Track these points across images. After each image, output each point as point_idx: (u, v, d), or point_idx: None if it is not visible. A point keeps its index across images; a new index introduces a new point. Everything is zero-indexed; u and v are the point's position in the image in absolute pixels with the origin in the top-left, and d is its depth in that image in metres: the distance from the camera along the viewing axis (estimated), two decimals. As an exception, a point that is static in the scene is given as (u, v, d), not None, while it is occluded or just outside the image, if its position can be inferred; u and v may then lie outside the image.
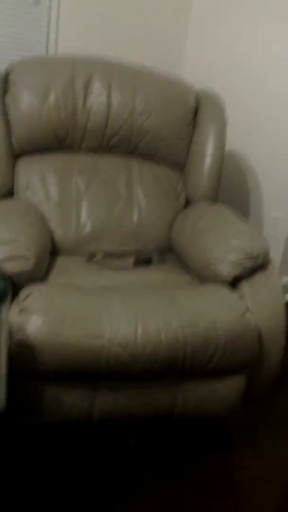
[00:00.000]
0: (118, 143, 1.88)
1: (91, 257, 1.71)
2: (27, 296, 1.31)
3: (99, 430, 1.54)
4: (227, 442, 1.65)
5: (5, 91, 1.79)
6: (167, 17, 2.49)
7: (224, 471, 1.51)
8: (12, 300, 1.32)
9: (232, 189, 2.63)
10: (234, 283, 1.52)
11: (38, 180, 1.80)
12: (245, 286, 1.51)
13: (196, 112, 1.91)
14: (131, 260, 1.69)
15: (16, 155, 1.82)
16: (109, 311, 1.31)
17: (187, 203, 1.96)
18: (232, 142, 2.53)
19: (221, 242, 1.58)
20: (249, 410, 1.71)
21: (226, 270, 1.50)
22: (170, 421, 1.48)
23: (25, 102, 1.77)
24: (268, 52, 2.34)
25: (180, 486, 1.43)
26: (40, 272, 1.50)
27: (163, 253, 1.82)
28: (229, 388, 1.42)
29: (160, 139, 1.89)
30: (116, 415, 1.39)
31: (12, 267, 1.36)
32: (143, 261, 1.71)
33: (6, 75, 1.80)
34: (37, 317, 1.26)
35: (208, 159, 1.90)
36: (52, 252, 1.70)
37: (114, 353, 1.27)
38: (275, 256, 2.50)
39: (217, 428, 1.69)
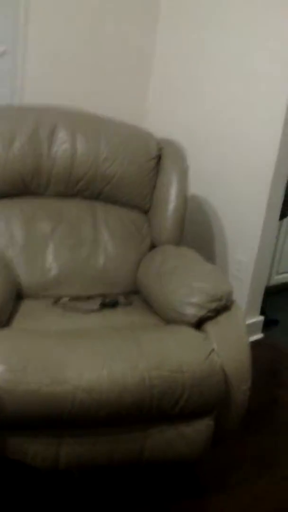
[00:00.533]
0: (84, 188, 1.92)
1: (56, 300, 1.70)
2: (-11, 342, 1.29)
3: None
4: (198, 486, 1.62)
5: None
6: (130, 71, 2.60)
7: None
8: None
9: (198, 233, 2.69)
10: (199, 324, 1.54)
11: (3, 224, 1.80)
12: (210, 328, 1.53)
13: (158, 159, 1.97)
14: (97, 303, 1.69)
15: (-19, 200, 1.83)
16: (73, 356, 1.29)
17: (153, 246, 1.99)
18: (196, 188, 2.62)
19: (185, 284, 1.60)
20: (219, 452, 1.70)
21: (191, 312, 1.52)
22: (138, 467, 1.44)
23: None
24: (227, 104, 2.47)
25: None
26: (3, 318, 1.48)
27: (130, 295, 1.83)
28: (197, 431, 1.41)
29: (124, 185, 1.94)
30: (83, 463, 1.35)
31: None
32: (109, 304, 1.71)
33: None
34: (-2, 363, 1.23)
35: (172, 204, 1.95)
36: (17, 296, 1.69)
37: (79, 400, 1.25)
38: (241, 298, 2.54)
39: (188, 472, 1.65)
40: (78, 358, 1.30)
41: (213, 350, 1.42)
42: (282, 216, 2.86)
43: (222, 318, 1.56)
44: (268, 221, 2.44)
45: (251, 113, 2.36)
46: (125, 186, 1.94)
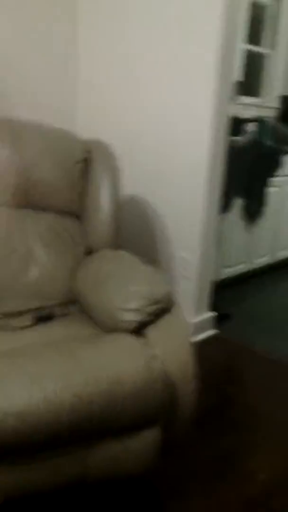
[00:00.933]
0: (10, 196, 1.82)
1: (-14, 320, 1.60)
2: None
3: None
4: (157, 499, 1.55)
5: None
6: (55, 73, 2.52)
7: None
8: None
9: (141, 234, 2.64)
10: (139, 330, 1.48)
11: None
12: (150, 332, 1.46)
13: (86, 162, 1.90)
14: (30, 318, 1.59)
15: None
16: (0, 380, 1.20)
17: (89, 252, 1.91)
18: (133, 187, 2.57)
19: (122, 290, 1.54)
20: (174, 459, 1.64)
21: (128, 318, 1.45)
22: (83, 487, 1.36)
23: None
24: (158, 99, 2.43)
25: None
26: None
27: (67, 306, 1.74)
28: (144, 442, 1.34)
29: (53, 191, 1.85)
30: (24, 492, 1.26)
31: None
32: (43, 317, 1.63)
33: None
34: None
35: (105, 207, 1.88)
36: None
37: (11, 427, 1.15)
38: (189, 295, 2.51)
39: (145, 485, 1.59)
40: (7, 382, 1.20)
41: (153, 356, 1.35)
42: (225, 209, 2.85)
43: (163, 321, 1.50)
44: (208, 216, 2.41)
45: (183, 107, 2.32)
46: (54, 193, 1.86)
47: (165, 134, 2.41)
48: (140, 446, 1.33)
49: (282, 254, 3.77)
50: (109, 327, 1.52)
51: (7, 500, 1.25)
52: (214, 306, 2.71)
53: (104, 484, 1.43)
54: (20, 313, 1.62)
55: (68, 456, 1.27)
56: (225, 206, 2.84)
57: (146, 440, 1.34)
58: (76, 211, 1.92)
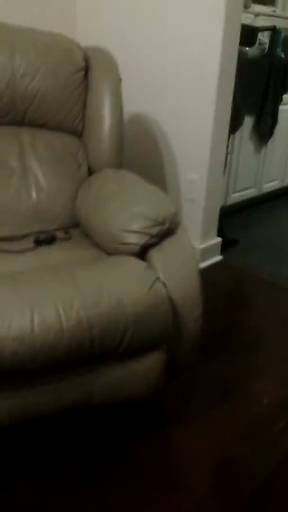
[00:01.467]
0: (3, 113, 1.68)
1: (-16, 243, 1.53)
2: None
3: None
4: (160, 421, 1.55)
5: None
6: None
7: (159, 454, 1.41)
8: None
9: (145, 154, 2.50)
10: (143, 253, 1.40)
11: None
12: (154, 255, 1.38)
13: (86, 71, 1.73)
14: (31, 241, 1.51)
15: None
16: (-2, 303, 1.14)
17: (91, 172, 1.80)
18: (137, 104, 2.39)
19: (124, 210, 1.44)
20: (180, 381, 1.63)
21: (131, 240, 1.37)
22: (88, 412, 1.35)
23: None
24: (164, 11, 2.19)
25: (112, 479, 1.32)
26: None
27: (69, 230, 1.66)
28: (148, 366, 1.31)
29: (50, 104, 1.70)
30: (28, 416, 1.24)
31: None
32: (45, 240, 1.55)
33: None
34: None
35: (107, 122, 1.74)
36: None
37: (9, 350, 1.11)
38: (195, 220, 2.41)
39: (150, 407, 1.58)
40: (4, 305, 1.14)
41: (157, 278, 1.28)
42: (233, 130, 2.68)
43: (167, 243, 1.41)
44: (217, 135, 2.25)
45: (191, 20, 2.10)
46: (51, 106, 1.71)
47: (173, 46, 2.20)
48: (145, 369, 1.30)
49: (292, 179, 3.62)
50: (111, 250, 1.44)
51: (12, 425, 1.23)
52: (221, 232, 2.62)
53: (108, 408, 1.42)
54: (21, 237, 1.54)
55: (71, 380, 1.24)
56: (234, 125, 2.65)
57: (151, 364, 1.30)
58: (76, 127, 1.78)
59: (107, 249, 1.47)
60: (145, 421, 1.54)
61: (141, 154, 2.49)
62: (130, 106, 2.29)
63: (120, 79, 1.74)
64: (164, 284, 1.30)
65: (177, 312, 1.32)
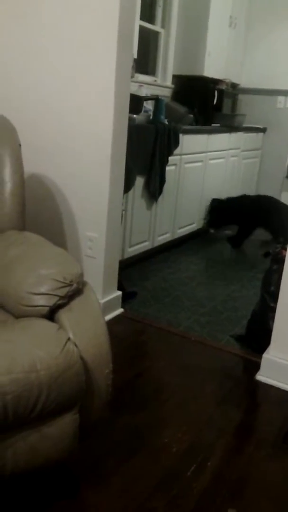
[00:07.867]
0: None
1: None
2: None
3: None
4: (74, 484, 1.53)
5: None
6: None
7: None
8: None
9: (46, 213, 2.55)
10: (51, 314, 1.42)
11: None
12: (63, 316, 1.42)
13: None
14: None
15: None
16: None
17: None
18: (35, 166, 2.46)
19: (31, 273, 1.47)
20: (90, 442, 1.63)
21: (40, 303, 1.40)
22: (2, 481, 1.30)
23: None
24: (62, 78, 2.33)
25: None
26: None
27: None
28: (62, 428, 1.31)
29: None
30: None
31: None
32: None
33: None
34: None
35: (7, 186, 1.77)
36: None
37: None
38: (97, 275, 2.48)
39: (62, 471, 1.56)
40: None
41: (68, 339, 1.31)
42: (127, 189, 2.85)
43: (75, 303, 1.46)
44: (113, 194, 2.39)
45: (86, 83, 2.26)
46: None
47: (69, 112, 2.33)
48: (59, 432, 1.30)
49: (181, 231, 3.88)
50: (21, 313, 1.44)
51: None
52: (120, 285, 2.71)
53: (21, 475, 1.38)
54: None
55: (-17, 452, 1.20)
56: (127, 184, 2.83)
57: (65, 426, 1.31)
58: (-25, 191, 1.78)
59: (15, 312, 1.47)
60: (58, 484, 1.51)
61: (42, 213, 2.54)
62: (30, 168, 2.34)
63: (19, 144, 1.80)
64: (75, 344, 1.33)
65: (89, 371, 1.35)
